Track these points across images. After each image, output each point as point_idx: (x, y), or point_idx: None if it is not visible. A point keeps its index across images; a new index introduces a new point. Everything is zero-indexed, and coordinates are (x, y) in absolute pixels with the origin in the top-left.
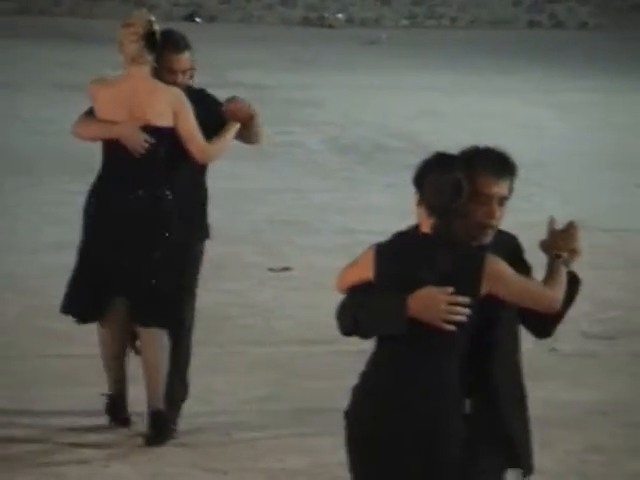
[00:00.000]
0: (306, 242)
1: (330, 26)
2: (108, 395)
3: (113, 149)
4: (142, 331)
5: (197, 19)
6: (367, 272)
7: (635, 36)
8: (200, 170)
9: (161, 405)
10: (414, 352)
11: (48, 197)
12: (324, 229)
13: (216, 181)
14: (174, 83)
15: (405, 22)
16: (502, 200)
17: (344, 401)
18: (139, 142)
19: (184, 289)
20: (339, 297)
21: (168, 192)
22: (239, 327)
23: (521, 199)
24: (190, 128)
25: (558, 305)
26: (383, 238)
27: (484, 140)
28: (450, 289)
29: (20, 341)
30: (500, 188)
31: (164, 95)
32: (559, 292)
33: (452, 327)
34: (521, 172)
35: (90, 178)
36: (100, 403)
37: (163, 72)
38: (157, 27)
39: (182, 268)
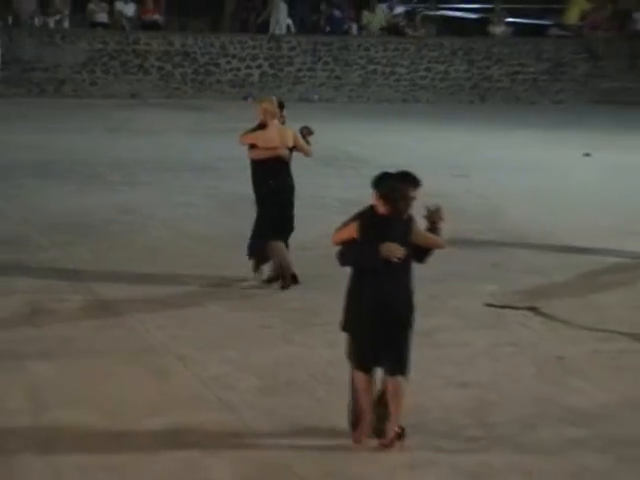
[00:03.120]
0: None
1: (311, 101)
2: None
3: (269, 159)
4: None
5: (249, 99)
6: (354, 234)
7: (449, 106)
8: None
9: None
10: (384, 275)
11: None
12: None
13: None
14: (283, 122)
15: (346, 99)
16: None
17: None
18: (287, 155)
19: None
20: (327, 234)
21: (290, 178)
22: None
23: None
24: (303, 144)
25: (445, 246)
26: (339, 201)
27: (386, 154)
28: (396, 244)
29: None
30: (415, 194)
31: (290, 132)
32: (442, 240)
33: (398, 260)
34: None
35: None
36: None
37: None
38: (280, 99)
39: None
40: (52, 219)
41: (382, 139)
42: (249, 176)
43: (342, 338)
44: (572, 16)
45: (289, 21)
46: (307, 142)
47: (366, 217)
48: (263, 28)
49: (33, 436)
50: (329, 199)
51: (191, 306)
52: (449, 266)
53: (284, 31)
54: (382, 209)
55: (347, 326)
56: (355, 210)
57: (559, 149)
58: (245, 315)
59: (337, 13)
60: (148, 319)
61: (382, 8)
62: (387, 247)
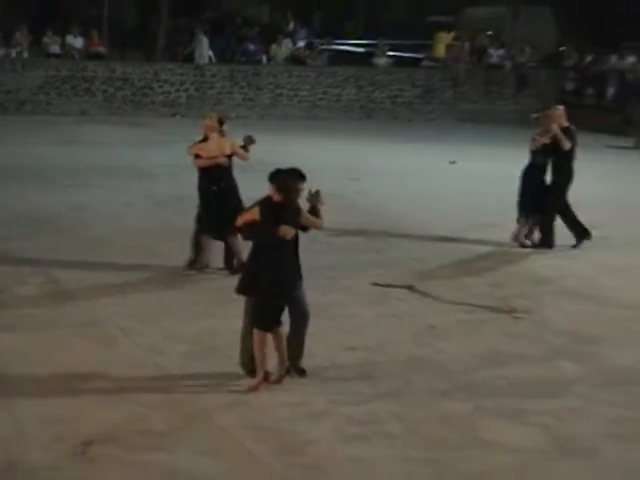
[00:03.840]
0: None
1: (229, 118)
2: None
3: (211, 167)
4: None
5: (177, 116)
6: (255, 217)
7: (342, 122)
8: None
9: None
10: (280, 249)
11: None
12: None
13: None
14: (222, 135)
15: (258, 117)
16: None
17: None
18: (225, 162)
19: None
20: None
21: (232, 180)
22: None
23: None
24: (239, 151)
25: (323, 227)
26: (251, 199)
27: (291, 161)
28: (290, 226)
29: None
30: (302, 186)
31: (228, 142)
32: (322, 222)
33: (290, 238)
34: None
35: None
36: None
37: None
38: (220, 116)
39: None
40: (16, 215)
41: (288, 149)
42: (180, 180)
43: None
44: (439, 51)
45: (211, 53)
46: (247, 149)
47: (265, 204)
48: (189, 58)
49: None
50: (244, 199)
51: (132, 287)
52: (343, 253)
53: (207, 61)
54: (277, 198)
55: (244, 290)
56: None
57: (431, 158)
58: (177, 294)
59: (250, 46)
60: (96, 298)
61: (287, 42)
62: (283, 229)
